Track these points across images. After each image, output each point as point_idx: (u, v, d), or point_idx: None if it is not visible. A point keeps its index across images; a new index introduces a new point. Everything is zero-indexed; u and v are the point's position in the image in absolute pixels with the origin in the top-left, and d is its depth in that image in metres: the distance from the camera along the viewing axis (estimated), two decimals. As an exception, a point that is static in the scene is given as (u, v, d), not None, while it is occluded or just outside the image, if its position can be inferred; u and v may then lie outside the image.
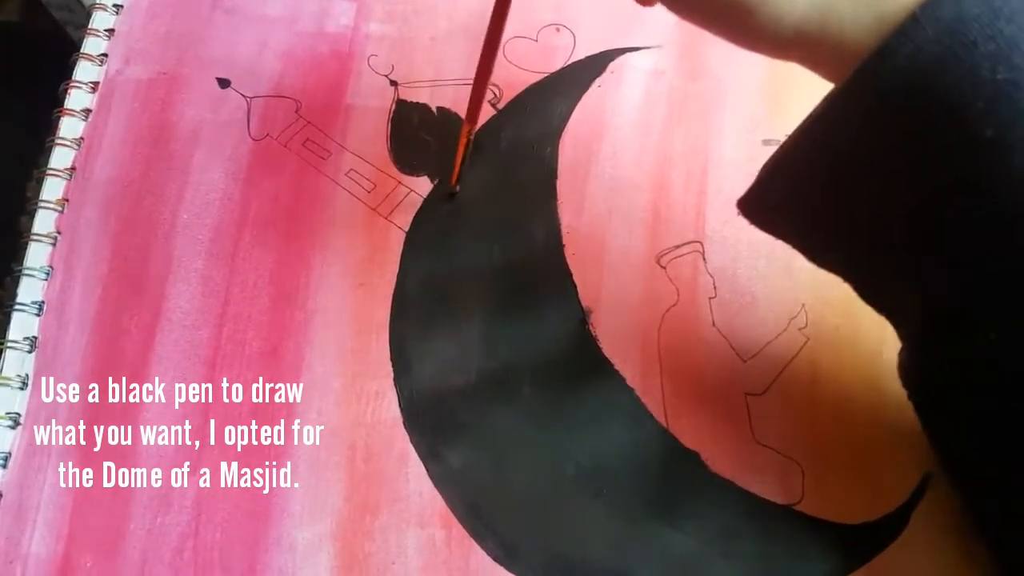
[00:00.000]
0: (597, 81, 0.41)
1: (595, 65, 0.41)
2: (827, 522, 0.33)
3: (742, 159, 0.39)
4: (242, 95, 0.41)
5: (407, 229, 0.38)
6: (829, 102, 0.24)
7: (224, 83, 0.41)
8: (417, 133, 0.40)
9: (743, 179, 0.38)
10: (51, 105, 0.41)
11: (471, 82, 0.41)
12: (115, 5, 0.43)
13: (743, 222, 0.38)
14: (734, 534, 0.33)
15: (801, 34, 0.24)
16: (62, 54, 0.43)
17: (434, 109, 0.40)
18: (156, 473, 0.34)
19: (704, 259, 0.37)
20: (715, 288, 0.37)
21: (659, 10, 0.30)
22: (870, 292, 0.29)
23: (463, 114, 0.38)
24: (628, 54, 0.41)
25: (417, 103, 0.41)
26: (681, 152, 0.40)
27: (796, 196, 0.28)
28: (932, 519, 0.33)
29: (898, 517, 0.33)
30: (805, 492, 0.34)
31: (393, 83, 0.41)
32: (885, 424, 0.34)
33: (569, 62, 0.41)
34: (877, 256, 0.27)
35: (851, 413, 0.35)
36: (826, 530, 0.33)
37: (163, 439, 0.35)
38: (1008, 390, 0.26)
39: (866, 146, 0.24)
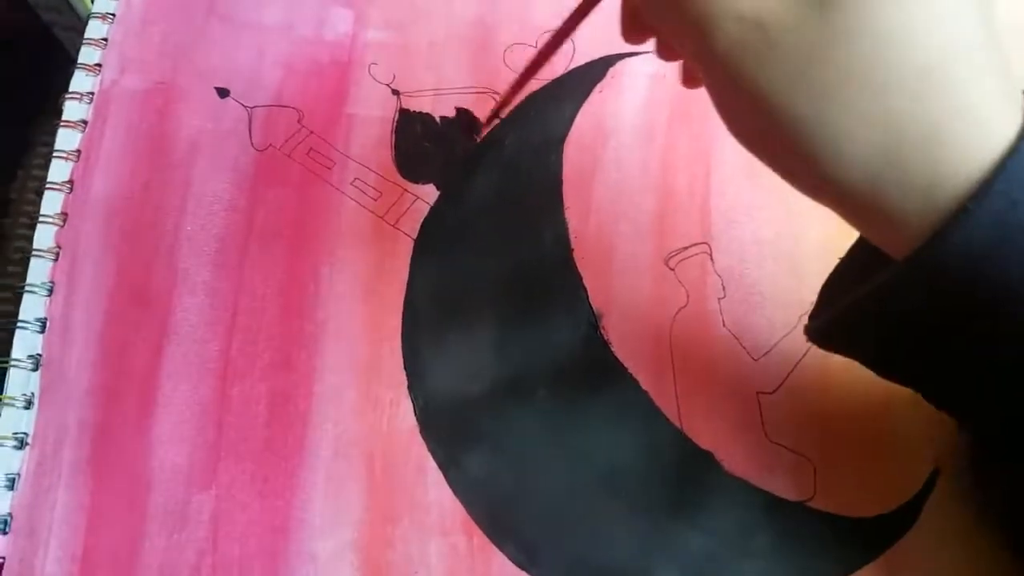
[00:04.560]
0: (598, 86, 0.41)
1: (596, 70, 0.42)
2: (840, 517, 0.34)
3: (745, 161, 0.39)
4: (242, 105, 0.40)
5: (415, 237, 0.38)
6: (887, 278, 0.24)
7: (223, 93, 0.41)
8: (421, 142, 0.40)
9: (746, 180, 0.40)
10: (35, 106, 0.40)
11: (473, 91, 0.41)
12: (109, 14, 0.42)
13: (749, 223, 0.39)
14: (750, 532, 0.34)
15: (852, 195, 0.23)
16: (48, 56, 0.43)
17: (437, 118, 0.40)
18: (171, 489, 0.34)
19: (712, 260, 0.38)
20: (724, 288, 0.37)
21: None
22: (940, 404, 0.30)
23: (467, 121, 0.38)
24: (629, 59, 0.42)
25: (420, 112, 0.41)
26: (685, 155, 0.40)
27: (858, 345, 0.29)
28: (943, 511, 0.34)
29: (909, 510, 0.34)
30: (817, 488, 0.34)
31: (395, 92, 0.41)
32: (894, 418, 0.35)
33: (570, 68, 0.42)
34: (946, 387, 0.28)
35: (861, 408, 0.35)
36: (839, 525, 0.34)
37: (176, 454, 0.34)
38: None
39: (926, 316, 0.24)
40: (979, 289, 0.22)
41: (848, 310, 0.26)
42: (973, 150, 0.21)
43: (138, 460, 0.34)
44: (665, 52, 0.30)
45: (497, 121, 0.38)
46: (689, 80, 0.31)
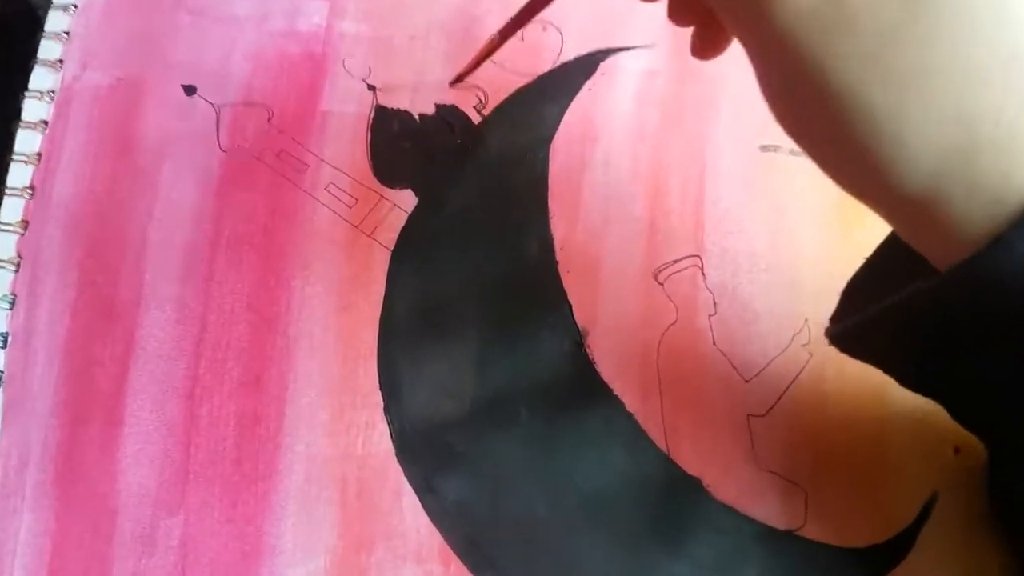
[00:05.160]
0: (588, 84, 0.39)
1: (585, 67, 0.39)
2: (831, 546, 0.33)
3: (740, 167, 0.38)
4: (210, 103, 0.38)
5: (392, 247, 0.36)
6: (931, 285, 0.23)
7: (190, 90, 0.38)
8: (398, 142, 0.38)
9: (741, 189, 0.38)
10: (18, 87, 0.38)
11: (455, 85, 0.39)
12: (71, 5, 0.40)
13: (742, 234, 0.37)
14: (738, 562, 0.32)
15: (909, 195, 0.21)
16: (35, 39, 0.41)
17: (416, 116, 0.38)
18: (138, 513, 0.33)
19: (703, 274, 0.36)
20: (715, 305, 0.36)
21: (652, 6, 0.28)
22: (964, 419, 0.29)
23: (447, 120, 0.36)
24: (620, 54, 0.39)
25: (398, 109, 0.38)
26: (677, 158, 0.38)
27: (884, 353, 0.27)
28: (939, 540, 0.32)
29: (904, 539, 0.33)
30: (808, 516, 0.33)
31: (371, 87, 0.39)
32: (890, 443, 0.34)
33: (558, 63, 0.39)
34: (977, 403, 0.27)
35: (856, 432, 0.34)
36: (830, 554, 0.33)
37: (144, 476, 0.33)
38: None
39: (969, 327, 0.23)
40: None
41: (879, 315, 0.25)
42: None
43: (105, 483, 0.33)
44: (679, 16, 0.28)
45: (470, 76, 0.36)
46: (702, 49, 0.28)
